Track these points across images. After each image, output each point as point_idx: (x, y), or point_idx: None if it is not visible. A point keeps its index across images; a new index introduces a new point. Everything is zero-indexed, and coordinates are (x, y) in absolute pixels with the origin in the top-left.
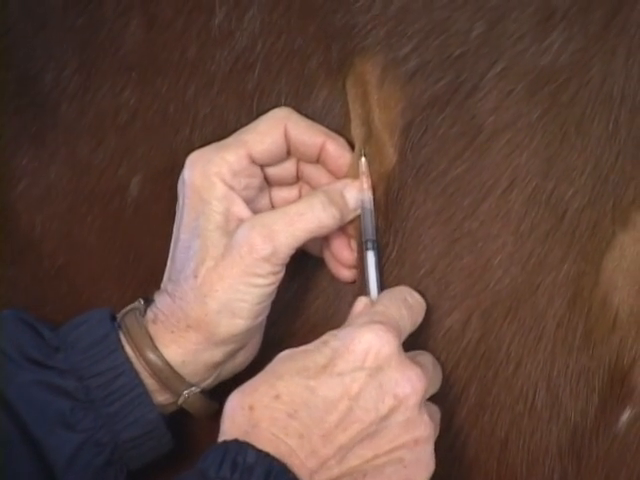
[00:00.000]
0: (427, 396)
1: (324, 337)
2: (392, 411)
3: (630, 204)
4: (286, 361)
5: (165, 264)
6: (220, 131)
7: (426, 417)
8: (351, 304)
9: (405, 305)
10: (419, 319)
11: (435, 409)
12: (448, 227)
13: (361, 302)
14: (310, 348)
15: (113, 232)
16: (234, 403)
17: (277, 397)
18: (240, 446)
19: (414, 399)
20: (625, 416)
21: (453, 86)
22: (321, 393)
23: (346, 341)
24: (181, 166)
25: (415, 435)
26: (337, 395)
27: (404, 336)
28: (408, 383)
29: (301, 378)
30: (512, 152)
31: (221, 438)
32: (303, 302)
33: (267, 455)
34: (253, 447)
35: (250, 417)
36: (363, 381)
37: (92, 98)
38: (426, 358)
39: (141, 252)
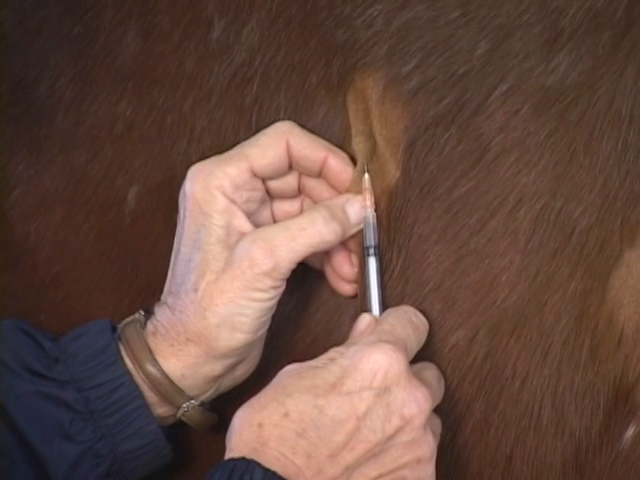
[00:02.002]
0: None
1: (330, 354)
2: (398, 431)
3: (638, 222)
4: (295, 378)
5: (163, 275)
6: (218, 144)
7: (430, 437)
8: (352, 318)
9: (411, 325)
10: (423, 340)
11: (437, 421)
12: (454, 244)
13: (364, 319)
14: (318, 365)
15: (110, 242)
16: (243, 419)
17: (286, 415)
18: (247, 464)
19: (420, 419)
20: (629, 433)
21: (458, 105)
22: (329, 412)
23: (355, 360)
24: (179, 178)
25: (418, 454)
26: (345, 415)
27: (411, 356)
28: (415, 404)
29: (310, 396)
30: (520, 171)
31: (228, 455)
32: (304, 315)
33: (274, 474)
34: (261, 466)
35: (259, 434)
36: (371, 401)
37: (88, 108)
38: (431, 373)
39: (139, 262)
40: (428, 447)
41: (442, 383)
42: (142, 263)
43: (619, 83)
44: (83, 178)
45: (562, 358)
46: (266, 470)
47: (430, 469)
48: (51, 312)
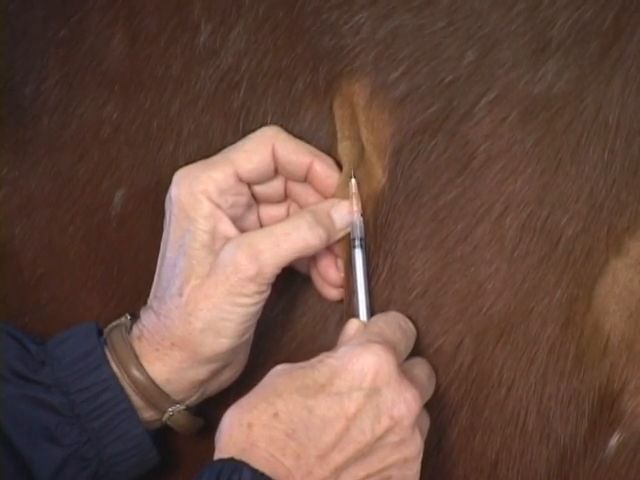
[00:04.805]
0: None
1: (320, 356)
2: (387, 432)
3: (624, 231)
4: (285, 378)
5: (149, 277)
6: (205, 148)
7: (418, 436)
8: (338, 322)
9: (400, 329)
10: (411, 346)
11: (425, 418)
12: (440, 251)
13: (353, 324)
14: (308, 366)
15: (96, 244)
16: (232, 419)
17: (276, 415)
18: (236, 465)
19: (409, 420)
20: (613, 441)
21: (445, 112)
22: (319, 413)
23: (344, 360)
24: (165, 181)
25: (405, 454)
26: (334, 415)
27: (400, 359)
28: (404, 404)
29: (300, 397)
30: (506, 179)
31: (217, 455)
32: (290, 319)
33: (263, 475)
34: (249, 467)
35: (248, 434)
36: (361, 401)
37: (74, 111)
38: (422, 370)
39: (125, 265)
40: (415, 447)
41: (433, 379)
42: (128, 265)
43: (606, 92)
44: (69, 180)
45: (548, 365)
46: (255, 471)
47: (416, 467)
48: (36, 314)
